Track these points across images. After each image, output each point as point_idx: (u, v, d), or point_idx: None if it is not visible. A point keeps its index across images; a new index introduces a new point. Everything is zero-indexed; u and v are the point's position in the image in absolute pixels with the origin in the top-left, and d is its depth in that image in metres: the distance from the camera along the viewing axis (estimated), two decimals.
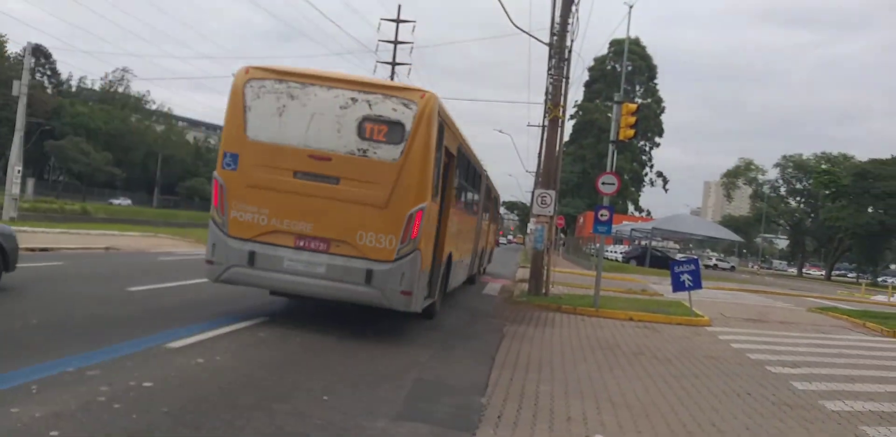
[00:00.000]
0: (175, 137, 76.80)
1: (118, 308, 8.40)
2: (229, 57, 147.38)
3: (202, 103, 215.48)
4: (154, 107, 79.07)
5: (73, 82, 72.61)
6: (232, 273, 7.41)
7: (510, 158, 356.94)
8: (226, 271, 7.41)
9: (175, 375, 5.37)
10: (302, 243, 7.25)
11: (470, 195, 12.55)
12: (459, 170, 10.01)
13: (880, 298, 29.09)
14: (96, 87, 73.63)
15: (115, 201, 63.18)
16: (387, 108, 7.23)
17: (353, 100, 7.26)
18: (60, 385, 4.77)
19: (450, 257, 9.72)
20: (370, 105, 7.25)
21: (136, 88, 79.03)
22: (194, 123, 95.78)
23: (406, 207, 7.12)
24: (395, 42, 43.62)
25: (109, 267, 13.50)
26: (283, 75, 7.38)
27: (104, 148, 62.54)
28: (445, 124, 7.93)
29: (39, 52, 58.50)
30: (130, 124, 69.41)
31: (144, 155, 70.91)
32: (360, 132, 7.24)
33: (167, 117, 79.71)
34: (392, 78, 53.40)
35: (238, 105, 7.36)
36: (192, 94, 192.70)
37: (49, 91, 65.48)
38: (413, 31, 59.06)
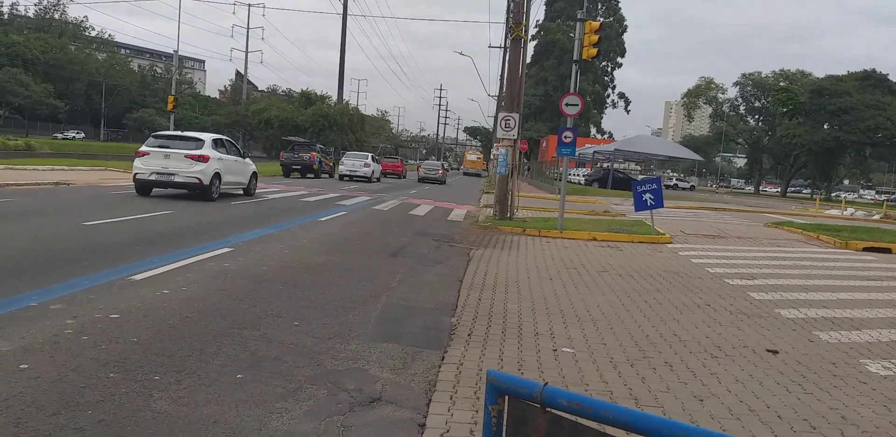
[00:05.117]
0: (119, 66, 72.80)
1: (76, 243, 8.20)
2: None
3: (144, 29, 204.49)
4: (94, 34, 74.70)
5: (5, 9, 67.93)
6: (463, 171, 68.77)
7: (472, 82, 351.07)
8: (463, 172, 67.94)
9: (141, 306, 5.30)
10: (468, 166, 68.36)
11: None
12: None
13: (833, 212, 30.16)
14: (30, 13, 69.07)
15: (70, 135, 61.10)
16: (476, 153, 74.25)
17: (474, 151, 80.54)
18: (25, 320, 4.67)
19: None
20: (476, 154, 72.84)
21: (73, 13, 74.28)
22: (138, 51, 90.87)
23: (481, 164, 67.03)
24: None
25: (62, 202, 13.09)
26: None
27: (44, 80, 59.24)
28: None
29: None
30: (70, 53, 65.58)
31: (87, 86, 67.27)
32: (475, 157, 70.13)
33: (108, 45, 75.43)
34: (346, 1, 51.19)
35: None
36: (133, 19, 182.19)
37: None
38: None
